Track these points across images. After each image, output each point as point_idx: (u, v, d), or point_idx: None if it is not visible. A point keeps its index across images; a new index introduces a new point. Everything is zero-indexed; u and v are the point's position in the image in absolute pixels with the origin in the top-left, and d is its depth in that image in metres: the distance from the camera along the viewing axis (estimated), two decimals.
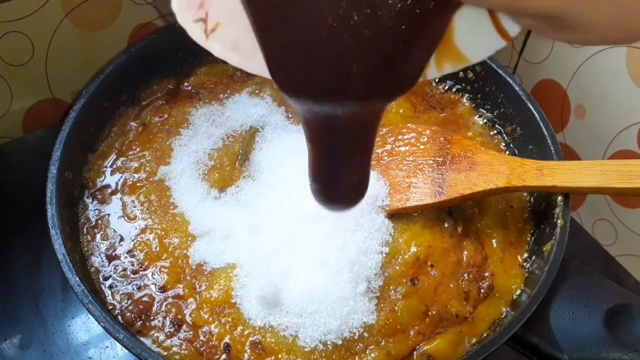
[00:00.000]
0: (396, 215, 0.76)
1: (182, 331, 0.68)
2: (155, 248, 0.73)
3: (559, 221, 0.72)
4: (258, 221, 0.74)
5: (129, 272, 0.72)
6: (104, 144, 0.83)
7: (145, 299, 0.70)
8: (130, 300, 0.69)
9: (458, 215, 0.78)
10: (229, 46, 0.46)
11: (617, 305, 0.67)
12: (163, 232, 0.74)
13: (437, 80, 0.93)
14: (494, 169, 0.74)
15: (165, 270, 0.72)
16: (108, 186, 0.79)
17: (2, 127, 0.94)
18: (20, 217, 0.86)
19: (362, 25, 0.41)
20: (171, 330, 0.68)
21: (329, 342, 0.66)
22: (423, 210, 0.76)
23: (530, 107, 0.82)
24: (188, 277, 0.71)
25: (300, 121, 0.51)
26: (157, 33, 0.88)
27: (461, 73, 0.91)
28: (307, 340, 0.66)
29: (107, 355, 0.79)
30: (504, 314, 0.71)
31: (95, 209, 0.77)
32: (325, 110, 0.48)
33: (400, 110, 0.88)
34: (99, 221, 0.76)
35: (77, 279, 0.65)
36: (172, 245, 0.73)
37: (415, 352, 0.68)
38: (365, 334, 0.68)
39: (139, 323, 0.68)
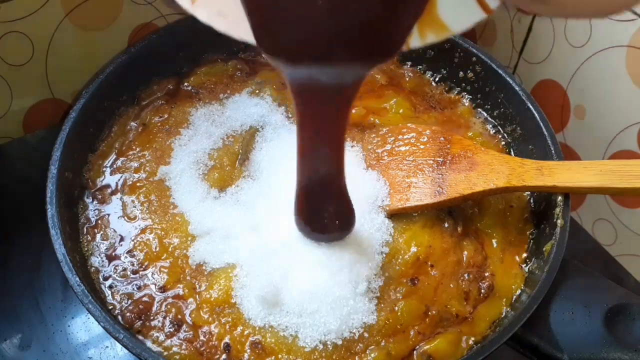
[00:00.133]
0: (396, 215, 0.76)
1: (182, 331, 0.68)
2: (155, 248, 0.73)
3: (559, 221, 0.72)
4: (258, 221, 0.74)
5: (129, 272, 0.72)
6: (104, 144, 0.83)
7: (145, 299, 0.70)
8: (130, 300, 0.69)
9: (458, 215, 0.78)
10: (215, 12, 0.47)
11: (617, 305, 0.67)
12: (163, 232, 0.74)
13: (437, 80, 0.93)
14: (494, 169, 0.74)
15: (165, 270, 0.72)
16: (108, 186, 0.79)
17: (2, 127, 0.94)
18: (20, 217, 0.86)
19: None
20: (171, 330, 0.68)
21: (329, 342, 0.66)
22: (423, 210, 0.76)
23: (530, 107, 0.82)
24: (188, 277, 0.71)
25: (289, 90, 0.53)
26: (157, 33, 0.88)
27: (461, 73, 0.91)
28: (307, 340, 0.66)
29: (107, 355, 0.79)
30: (504, 314, 0.71)
31: (95, 209, 0.77)
32: (310, 75, 0.50)
33: (400, 110, 0.88)
34: (99, 221, 0.76)
35: (77, 279, 0.65)
36: (172, 245, 0.73)
37: (415, 352, 0.68)
38: (365, 334, 0.68)
39: (139, 323, 0.68)
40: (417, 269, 0.73)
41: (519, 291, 0.73)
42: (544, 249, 0.73)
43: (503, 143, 0.87)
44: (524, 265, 0.75)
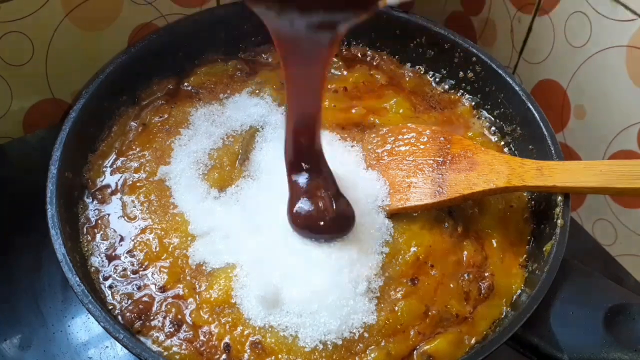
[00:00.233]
0: (396, 215, 0.76)
1: (182, 331, 0.68)
2: (155, 248, 0.73)
3: (559, 221, 0.72)
4: (258, 221, 0.74)
5: (128, 272, 0.72)
6: (104, 144, 0.83)
7: (145, 299, 0.70)
8: (130, 300, 0.69)
9: (458, 215, 0.78)
10: None
11: (617, 305, 0.67)
12: (163, 232, 0.74)
13: (437, 80, 0.93)
14: (494, 169, 0.74)
15: (165, 270, 0.72)
16: (108, 186, 0.79)
17: (2, 127, 0.94)
18: (21, 217, 0.86)
19: None
20: (171, 330, 0.68)
21: (329, 342, 0.66)
22: (423, 210, 0.76)
23: (530, 107, 0.82)
24: (188, 277, 0.71)
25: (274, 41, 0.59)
26: (157, 33, 0.88)
27: (461, 73, 0.91)
28: (307, 340, 0.66)
29: (107, 355, 0.79)
30: (504, 314, 0.71)
31: (95, 209, 0.77)
32: (290, 22, 0.56)
33: (400, 110, 0.88)
34: (99, 221, 0.76)
35: (77, 279, 0.65)
36: (171, 245, 0.73)
37: (415, 352, 0.68)
38: (366, 334, 0.68)
39: (138, 323, 0.68)
40: (417, 269, 0.73)
41: (519, 291, 0.73)
42: (544, 249, 0.73)
43: (503, 143, 0.87)
44: (524, 265, 0.75)
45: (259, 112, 0.86)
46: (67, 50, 0.91)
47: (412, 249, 0.74)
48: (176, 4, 0.96)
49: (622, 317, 0.67)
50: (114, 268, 0.72)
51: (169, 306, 0.69)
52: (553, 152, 0.78)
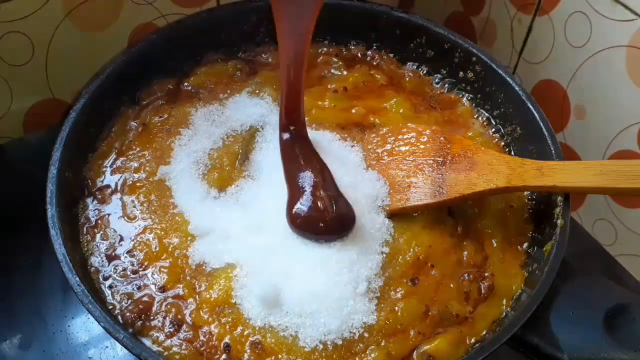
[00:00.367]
0: (396, 215, 0.76)
1: (182, 331, 0.68)
2: (155, 248, 0.73)
3: (559, 221, 0.72)
4: (258, 221, 0.74)
5: (128, 272, 0.72)
6: (104, 144, 0.83)
7: (145, 299, 0.70)
8: (130, 300, 0.69)
9: (458, 215, 0.78)
10: None
11: (617, 305, 0.67)
12: (163, 232, 0.74)
13: (437, 80, 0.93)
14: (494, 169, 0.74)
15: (165, 270, 0.72)
16: (108, 186, 0.79)
17: (2, 127, 0.94)
18: (20, 217, 0.86)
19: None
20: (171, 330, 0.68)
21: (329, 342, 0.66)
22: (423, 210, 0.76)
23: (530, 107, 0.82)
24: (188, 277, 0.71)
25: None
26: (157, 33, 0.88)
27: (461, 73, 0.91)
28: (307, 340, 0.66)
29: (107, 355, 0.79)
30: (504, 314, 0.71)
31: (95, 209, 0.77)
32: None
33: (400, 110, 0.88)
34: (99, 221, 0.76)
35: (77, 279, 0.65)
36: (171, 245, 0.73)
37: (415, 352, 0.68)
38: (366, 334, 0.67)
39: (138, 323, 0.68)
40: (417, 269, 0.73)
41: (519, 291, 0.73)
42: (544, 249, 0.73)
43: (503, 143, 0.87)
44: (524, 266, 0.75)
45: (259, 112, 0.86)
46: (67, 50, 0.91)
47: (412, 249, 0.74)
48: (176, 4, 0.96)
49: (622, 317, 0.67)
50: (114, 268, 0.72)
51: (169, 306, 0.69)
52: (553, 152, 0.78)
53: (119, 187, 0.79)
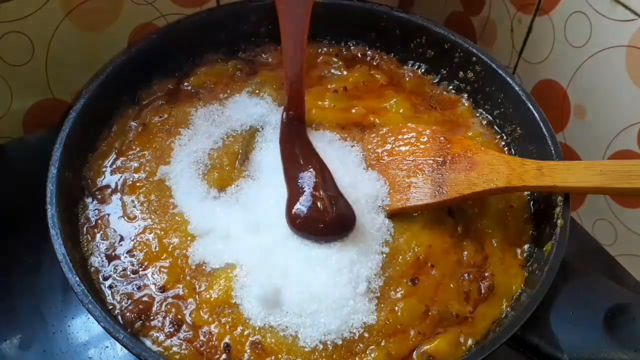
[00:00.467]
0: (396, 215, 0.76)
1: (182, 331, 0.68)
2: (155, 248, 0.73)
3: (559, 221, 0.72)
4: (258, 221, 0.74)
5: (128, 272, 0.72)
6: (104, 144, 0.83)
7: (145, 299, 0.70)
8: (130, 300, 0.69)
9: (458, 215, 0.78)
10: None
11: (617, 305, 0.67)
12: (163, 232, 0.74)
13: (437, 80, 0.93)
14: (494, 169, 0.73)
15: (165, 270, 0.72)
16: (108, 186, 0.79)
17: (2, 127, 0.94)
18: (21, 217, 0.86)
19: None
20: (171, 330, 0.68)
21: (329, 342, 0.66)
22: (423, 210, 0.76)
23: (530, 107, 0.82)
24: (188, 277, 0.71)
25: None
26: (157, 33, 0.88)
27: (461, 73, 0.91)
28: (307, 340, 0.66)
29: (107, 356, 0.79)
30: (504, 314, 0.71)
31: (95, 209, 0.77)
32: None
33: (400, 110, 0.88)
34: (99, 221, 0.76)
35: (77, 279, 0.65)
36: (171, 245, 0.73)
37: (415, 352, 0.68)
38: (366, 334, 0.67)
39: (138, 323, 0.68)
40: (417, 269, 0.73)
41: (519, 291, 0.73)
42: (544, 249, 0.73)
43: (503, 143, 0.87)
44: (524, 265, 0.75)
45: (259, 112, 0.86)
46: (67, 50, 0.91)
47: (412, 249, 0.74)
48: (176, 4, 0.96)
49: (622, 317, 0.66)
50: (114, 268, 0.72)
51: (168, 306, 0.69)
52: (553, 152, 0.78)
53: (119, 187, 0.79)
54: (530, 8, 0.98)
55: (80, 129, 0.78)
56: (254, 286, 0.69)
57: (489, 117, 0.89)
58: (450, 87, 0.93)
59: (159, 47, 0.87)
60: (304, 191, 0.73)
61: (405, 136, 0.81)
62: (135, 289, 0.70)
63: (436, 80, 0.94)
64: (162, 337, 0.67)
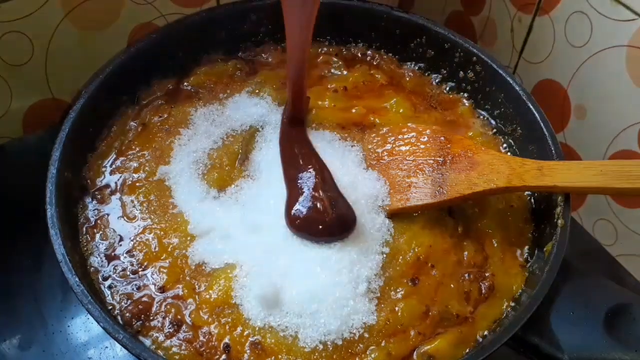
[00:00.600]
0: (396, 215, 0.76)
1: (181, 331, 0.68)
2: (155, 248, 0.73)
3: (559, 221, 0.72)
4: (258, 221, 0.74)
5: (128, 272, 0.72)
6: (103, 144, 0.82)
7: (144, 299, 0.69)
8: (129, 301, 0.69)
9: (458, 215, 0.78)
10: None
11: (617, 305, 0.67)
12: (162, 232, 0.74)
13: (437, 80, 0.93)
14: (494, 169, 0.73)
15: (165, 271, 0.71)
16: (107, 186, 0.79)
17: (2, 127, 0.94)
18: (20, 217, 0.86)
19: None
20: (171, 330, 0.68)
21: (329, 343, 0.66)
22: (423, 210, 0.76)
23: (531, 107, 0.82)
24: (187, 278, 0.71)
25: None
26: (156, 33, 0.88)
27: (461, 73, 0.91)
28: (307, 340, 0.66)
29: (107, 356, 0.78)
30: (505, 314, 0.71)
31: (95, 209, 0.77)
32: None
33: (401, 110, 0.88)
34: (99, 221, 0.76)
35: (77, 279, 0.65)
36: (171, 245, 0.73)
37: (415, 353, 0.68)
38: (366, 335, 0.67)
39: (138, 323, 0.68)
40: (418, 269, 0.73)
41: (519, 291, 0.73)
42: (545, 249, 0.73)
43: (503, 143, 0.87)
44: (524, 266, 0.75)
45: (258, 111, 0.86)
46: (66, 50, 0.90)
47: (413, 249, 0.73)
48: (176, 4, 0.96)
49: (623, 317, 0.66)
50: (114, 268, 0.72)
51: (168, 306, 0.69)
52: (553, 152, 0.77)
53: (118, 187, 0.79)
54: (531, 8, 0.98)
55: (79, 129, 0.78)
56: (253, 286, 0.69)
57: (489, 117, 0.89)
58: (451, 87, 0.93)
59: (158, 47, 0.87)
60: (304, 192, 0.73)
61: (405, 136, 0.81)
62: (134, 289, 0.70)
63: (436, 80, 0.94)
64: (161, 338, 0.67)
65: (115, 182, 0.79)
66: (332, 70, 0.93)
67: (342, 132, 0.84)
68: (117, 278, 0.71)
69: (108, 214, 0.76)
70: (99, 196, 0.78)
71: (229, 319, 0.68)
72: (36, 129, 0.96)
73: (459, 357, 0.67)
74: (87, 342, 0.80)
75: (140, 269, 0.72)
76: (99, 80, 0.81)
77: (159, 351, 0.66)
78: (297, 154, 0.79)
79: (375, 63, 0.95)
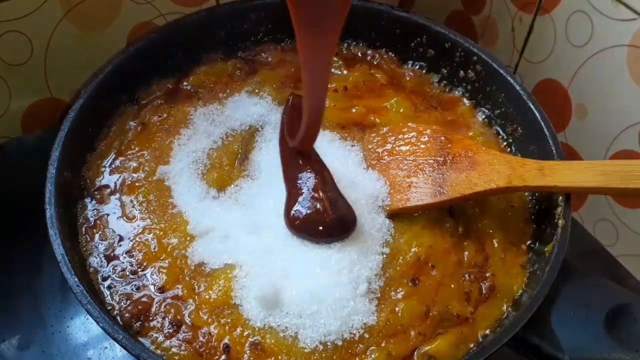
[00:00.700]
0: (397, 215, 0.76)
1: (181, 332, 0.67)
2: (154, 248, 0.73)
3: (560, 221, 0.72)
4: (257, 221, 0.74)
5: (127, 273, 0.71)
6: (102, 144, 0.82)
7: (144, 299, 0.69)
8: (129, 301, 0.69)
9: (459, 215, 0.77)
10: None
11: (618, 305, 0.67)
12: (162, 232, 0.74)
13: (437, 79, 0.93)
14: (494, 169, 0.73)
15: (164, 271, 0.71)
16: (107, 186, 0.79)
17: (1, 127, 0.94)
18: (19, 217, 0.86)
19: None
20: (170, 331, 0.67)
21: (329, 343, 0.66)
22: (424, 210, 0.76)
23: (532, 106, 0.82)
24: (187, 278, 0.71)
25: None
26: (156, 32, 0.88)
27: (462, 72, 0.90)
28: (307, 341, 0.66)
29: (106, 356, 0.78)
30: (505, 315, 0.71)
31: (94, 209, 0.77)
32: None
33: (401, 110, 0.88)
34: (98, 221, 0.75)
35: (76, 279, 0.65)
36: (170, 246, 0.73)
37: (415, 353, 0.68)
38: (366, 335, 0.67)
39: (137, 324, 0.67)
40: (418, 270, 0.72)
41: (520, 291, 0.73)
42: (545, 249, 0.72)
43: (504, 143, 0.87)
44: (525, 266, 0.75)
45: (258, 111, 0.85)
46: (65, 50, 0.90)
47: (413, 249, 0.73)
48: (175, 3, 0.95)
49: (623, 317, 0.66)
50: (113, 268, 0.72)
51: (168, 307, 0.69)
52: (554, 152, 0.77)
53: (117, 187, 0.78)
54: (532, 7, 0.98)
55: (79, 129, 0.78)
56: (253, 287, 0.69)
57: (490, 116, 0.89)
58: (451, 87, 0.92)
59: (158, 47, 0.87)
60: (303, 192, 0.73)
61: (405, 136, 0.81)
62: (134, 289, 0.70)
63: (437, 79, 0.93)
64: (161, 338, 0.67)
65: (115, 182, 0.79)
66: (332, 70, 0.93)
67: (342, 132, 0.84)
68: (116, 278, 0.71)
69: (107, 214, 0.76)
70: (98, 196, 0.78)
71: (229, 320, 0.68)
72: (35, 129, 0.96)
73: (459, 358, 0.67)
74: (86, 343, 0.79)
75: (139, 269, 0.72)
76: (98, 80, 0.81)
77: (158, 351, 0.66)
78: (297, 153, 0.78)
79: (375, 63, 0.95)
